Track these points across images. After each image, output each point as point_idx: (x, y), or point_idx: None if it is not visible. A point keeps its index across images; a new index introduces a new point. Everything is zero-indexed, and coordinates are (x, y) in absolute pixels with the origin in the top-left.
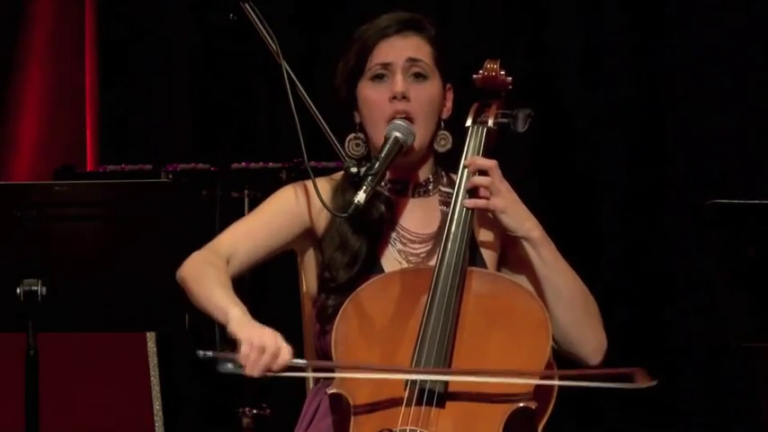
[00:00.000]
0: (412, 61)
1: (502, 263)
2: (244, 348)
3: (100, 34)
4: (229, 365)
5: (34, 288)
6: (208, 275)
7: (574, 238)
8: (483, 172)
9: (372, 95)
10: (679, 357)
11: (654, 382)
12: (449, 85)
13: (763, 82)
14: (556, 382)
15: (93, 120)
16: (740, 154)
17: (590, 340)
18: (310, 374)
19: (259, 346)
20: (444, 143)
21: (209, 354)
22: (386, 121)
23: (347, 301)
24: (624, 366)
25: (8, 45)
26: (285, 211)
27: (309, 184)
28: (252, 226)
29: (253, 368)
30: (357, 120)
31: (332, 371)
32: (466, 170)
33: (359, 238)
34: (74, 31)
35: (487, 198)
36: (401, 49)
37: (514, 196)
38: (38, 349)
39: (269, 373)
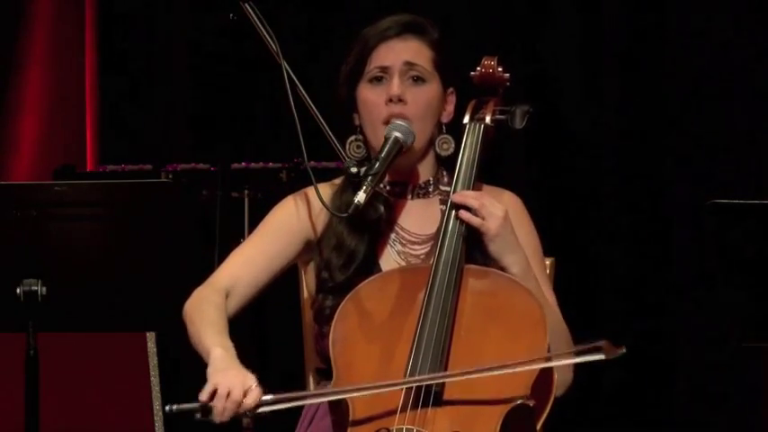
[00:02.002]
0: (409, 65)
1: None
2: (208, 396)
3: (100, 34)
4: (198, 415)
5: (34, 288)
6: (202, 316)
7: (573, 238)
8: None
9: (370, 97)
10: (679, 357)
11: (622, 350)
12: (451, 90)
13: (763, 81)
14: (531, 367)
15: (93, 120)
16: (740, 154)
17: (558, 374)
18: (292, 404)
19: (224, 392)
20: (447, 147)
21: (176, 408)
22: (382, 123)
23: (345, 299)
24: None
25: (8, 45)
26: (286, 231)
27: (308, 191)
28: (251, 254)
29: (219, 415)
30: (357, 122)
31: (307, 398)
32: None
33: (355, 238)
34: (74, 31)
35: (482, 219)
36: (399, 53)
37: (509, 226)
38: (38, 349)
39: (240, 415)
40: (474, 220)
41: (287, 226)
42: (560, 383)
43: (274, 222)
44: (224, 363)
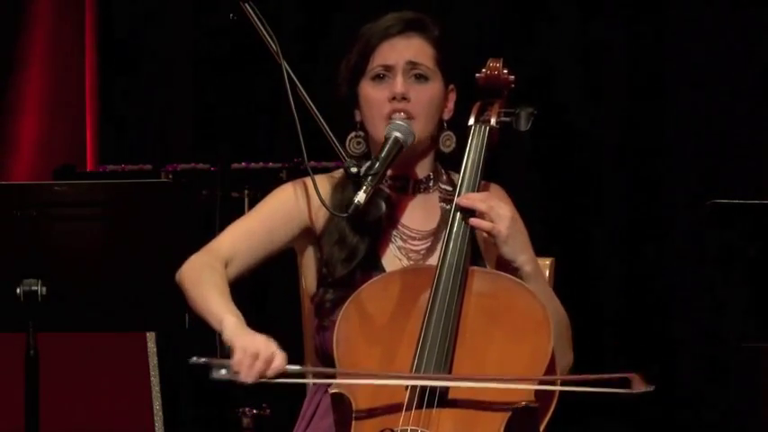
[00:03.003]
0: (412, 64)
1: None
2: (237, 355)
3: (100, 34)
4: (223, 371)
5: (34, 288)
6: (205, 280)
7: (573, 238)
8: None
9: (373, 94)
10: (679, 357)
11: (651, 388)
12: (451, 87)
13: (764, 80)
14: (552, 387)
15: (93, 120)
16: (740, 153)
17: (559, 360)
18: (306, 380)
19: (253, 352)
20: (449, 143)
21: (203, 360)
22: (385, 120)
23: (348, 301)
24: (621, 371)
25: (8, 45)
26: (284, 210)
27: (309, 181)
28: (250, 227)
29: (247, 374)
30: (358, 118)
31: (330, 376)
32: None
33: (357, 235)
34: (74, 31)
35: (492, 222)
36: (402, 51)
37: (519, 225)
38: (38, 349)
39: (263, 380)
40: (484, 225)
41: (285, 208)
42: (562, 370)
43: (273, 203)
44: (243, 327)
